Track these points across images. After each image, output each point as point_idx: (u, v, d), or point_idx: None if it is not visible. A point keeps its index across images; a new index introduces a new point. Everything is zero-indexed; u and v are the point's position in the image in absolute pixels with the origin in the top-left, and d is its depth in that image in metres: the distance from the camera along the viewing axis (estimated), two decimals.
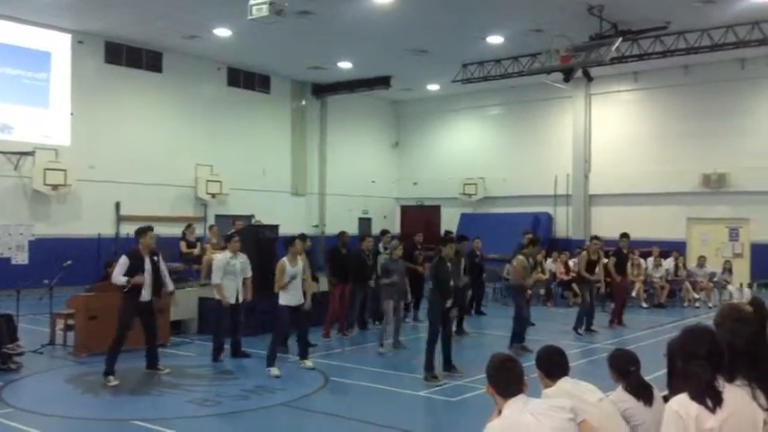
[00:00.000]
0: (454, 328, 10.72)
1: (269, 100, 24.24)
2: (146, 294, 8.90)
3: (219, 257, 10.40)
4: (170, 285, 9.55)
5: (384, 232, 14.08)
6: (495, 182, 25.66)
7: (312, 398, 8.23)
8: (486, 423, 3.50)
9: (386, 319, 11.08)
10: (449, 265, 9.33)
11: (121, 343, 8.77)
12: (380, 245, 13.11)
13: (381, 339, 11.01)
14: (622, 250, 14.07)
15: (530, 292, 11.41)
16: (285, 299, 9.42)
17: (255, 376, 9.19)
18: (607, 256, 13.91)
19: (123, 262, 8.81)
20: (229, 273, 10.02)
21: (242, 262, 10.25)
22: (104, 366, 8.69)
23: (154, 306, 9.22)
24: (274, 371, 9.20)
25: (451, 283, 9.32)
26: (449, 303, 9.22)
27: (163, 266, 9.31)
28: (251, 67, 23.26)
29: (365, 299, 12.79)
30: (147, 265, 8.92)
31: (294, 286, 9.44)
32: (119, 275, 8.75)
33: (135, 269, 8.77)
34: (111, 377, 8.62)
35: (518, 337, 10.98)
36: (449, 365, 9.39)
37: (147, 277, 8.88)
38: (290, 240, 9.81)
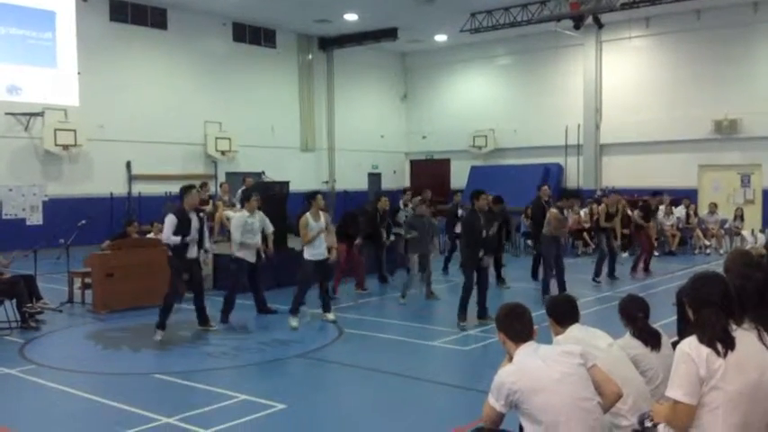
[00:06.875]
0: (494, 279, 10.90)
1: (275, 55, 24.05)
2: (192, 251, 8.90)
3: (237, 216, 10.39)
4: (207, 244, 9.59)
5: (406, 190, 14.21)
6: (506, 133, 25.50)
7: (326, 349, 8.39)
8: (497, 369, 3.59)
9: (411, 272, 11.30)
10: (481, 216, 9.48)
11: (174, 299, 8.86)
12: (401, 201, 13.27)
13: (404, 291, 11.19)
14: (650, 206, 14.33)
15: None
16: (310, 253, 9.52)
17: (271, 330, 9.36)
18: (632, 208, 14.01)
19: (172, 221, 8.69)
20: (248, 231, 10.04)
21: (260, 219, 10.29)
22: (158, 319, 8.73)
23: (200, 263, 9.28)
24: (294, 322, 9.36)
25: (483, 233, 9.45)
26: (481, 253, 9.38)
27: (205, 225, 9.44)
28: (256, 22, 23.02)
29: (380, 254, 13.00)
30: (195, 223, 8.90)
31: (318, 241, 9.56)
32: (170, 235, 8.65)
33: (183, 227, 8.73)
34: (159, 331, 8.69)
35: (547, 288, 11.08)
36: (483, 314, 9.46)
37: (194, 234, 8.87)
38: (311, 195, 9.84)
